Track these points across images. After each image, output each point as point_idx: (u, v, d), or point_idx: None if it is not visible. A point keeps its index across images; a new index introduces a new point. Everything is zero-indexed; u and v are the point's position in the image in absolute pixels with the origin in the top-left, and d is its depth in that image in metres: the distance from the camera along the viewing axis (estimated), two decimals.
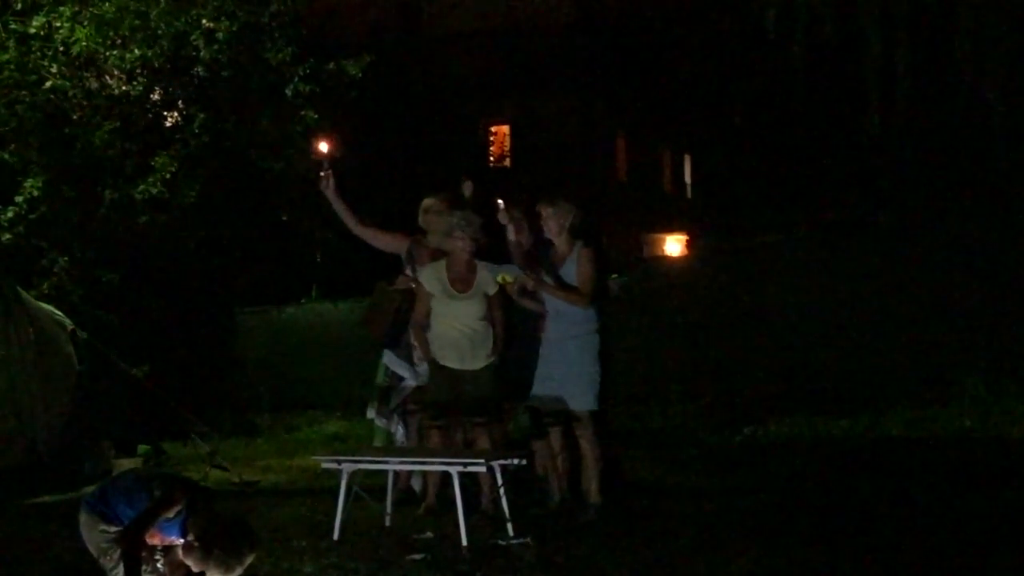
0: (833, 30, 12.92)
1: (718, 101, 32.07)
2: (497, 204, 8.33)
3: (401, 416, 8.56)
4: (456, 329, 8.01)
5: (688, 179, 36.31)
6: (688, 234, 31.48)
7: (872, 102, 13.29)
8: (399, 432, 8.64)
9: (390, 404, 8.59)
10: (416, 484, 8.51)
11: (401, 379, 8.53)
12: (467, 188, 8.55)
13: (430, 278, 8.08)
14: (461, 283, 8.05)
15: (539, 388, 8.04)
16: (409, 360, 8.45)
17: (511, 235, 8.26)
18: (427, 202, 8.60)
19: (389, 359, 8.60)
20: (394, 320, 8.44)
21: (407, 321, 8.31)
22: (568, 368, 7.91)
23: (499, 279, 8.02)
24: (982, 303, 13.39)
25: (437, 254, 8.29)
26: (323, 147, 8.62)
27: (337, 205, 8.57)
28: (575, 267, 7.97)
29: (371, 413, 8.86)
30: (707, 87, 31.95)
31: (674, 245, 31.41)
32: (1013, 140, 14.27)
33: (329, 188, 8.46)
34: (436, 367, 8.11)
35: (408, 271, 8.56)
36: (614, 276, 13.99)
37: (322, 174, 8.46)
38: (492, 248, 8.29)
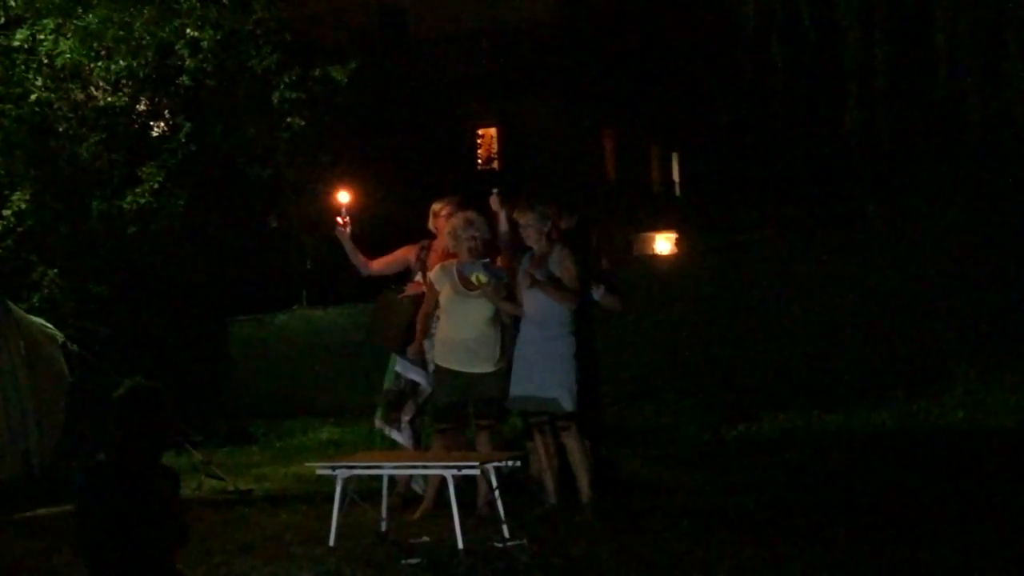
0: (811, 26, 12.96)
1: (705, 99, 32.10)
2: (491, 192, 8.39)
3: (410, 423, 8.58)
4: (465, 330, 8.00)
5: (676, 177, 36.32)
6: (678, 232, 31.52)
7: (852, 97, 13.33)
8: (404, 439, 8.64)
9: (404, 412, 8.60)
10: (417, 486, 8.52)
11: (416, 386, 8.55)
12: (495, 202, 8.52)
13: (441, 277, 8.09)
14: (470, 282, 8.04)
15: (518, 389, 8.06)
16: (423, 366, 8.45)
17: (503, 225, 8.31)
18: (436, 206, 8.65)
19: (403, 367, 8.61)
20: (407, 327, 8.46)
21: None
22: (546, 369, 7.94)
23: (473, 279, 7.99)
24: (973, 295, 13.41)
25: (447, 257, 8.31)
26: (343, 196, 8.77)
27: (350, 250, 8.71)
28: (557, 269, 7.99)
29: (379, 423, 8.88)
30: (693, 85, 31.97)
31: (664, 243, 31.46)
32: (994, 132, 14.30)
33: (345, 235, 8.63)
34: (441, 371, 8.10)
35: (419, 278, 8.59)
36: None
37: (340, 220, 8.62)
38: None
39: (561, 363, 7.96)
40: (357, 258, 8.75)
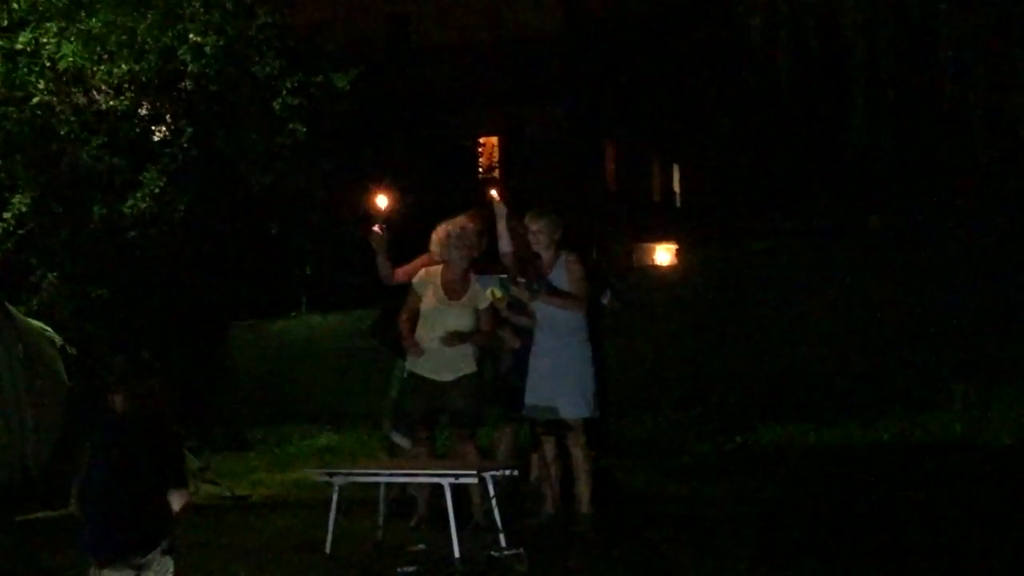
0: (817, 37, 12.97)
1: (706, 110, 32.14)
2: (491, 196, 8.34)
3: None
4: (440, 338, 7.99)
5: (677, 188, 36.36)
6: (678, 243, 31.54)
7: (856, 109, 13.33)
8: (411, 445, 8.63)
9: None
10: (413, 489, 8.49)
11: None
12: (498, 205, 8.43)
13: (423, 283, 8.08)
14: (453, 292, 8.04)
15: (532, 398, 8.03)
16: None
17: (504, 247, 8.29)
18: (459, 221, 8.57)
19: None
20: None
21: None
22: (562, 377, 7.91)
23: (488, 294, 7.98)
24: (972, 308, 13.41)
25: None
26: (382, 202, 8.45)
27: (381, 257, 8.46)
28: (563, 275, 7.99)
29: (387, 428, 8.87)
30: (695, 97, 32.00)
31: (664, 254, 31.47)
32: (997, 144, 14.31)
33: (381, 243, 8.36)
34: (415, 377, 8.10)
35: None
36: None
37: (375, 229, 8.33)
38: (484, 256, 8.29)
39: (577, 369, 7.94)
40: (385, 268, 8.53)
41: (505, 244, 8.33)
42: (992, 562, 6.42)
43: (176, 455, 4.87)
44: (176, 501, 4.74)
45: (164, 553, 4.75)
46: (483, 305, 8.02)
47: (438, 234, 8.17)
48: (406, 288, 8.38)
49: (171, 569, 4.76)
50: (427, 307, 8.04)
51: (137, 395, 4.86)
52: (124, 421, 4.87)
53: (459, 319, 7.99)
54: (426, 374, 8.03)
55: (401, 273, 8.64)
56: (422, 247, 8.75)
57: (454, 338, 7.91)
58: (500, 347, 8.49)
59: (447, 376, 8.00)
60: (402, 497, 8.51)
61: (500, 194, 8.32)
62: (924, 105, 15.74)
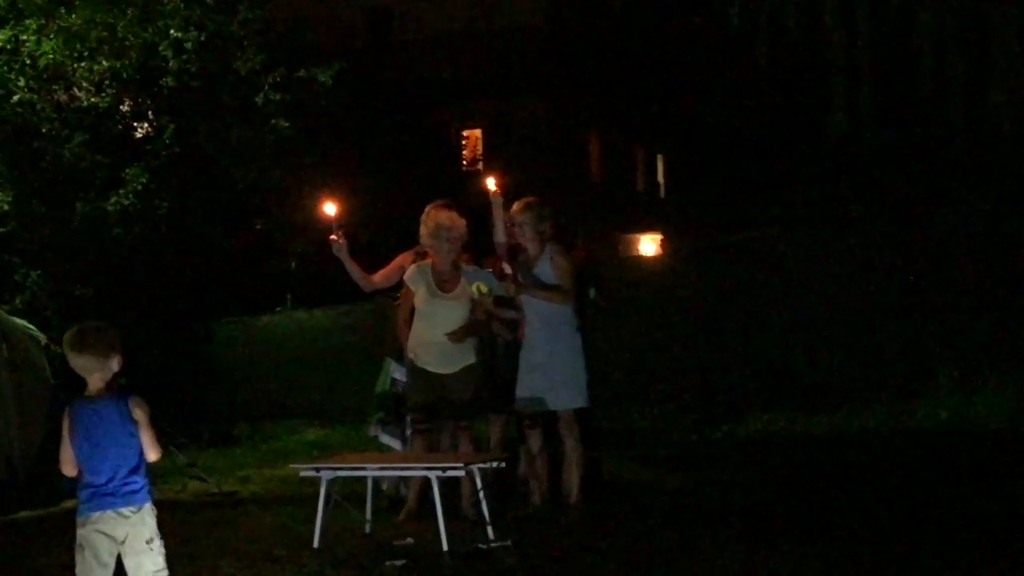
0: (797, 26, 12.99)
1: (689, 100, 32.15)
2: (486, 185, 8.28)
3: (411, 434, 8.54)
4: (439, 332, 7.95)
5: (661, 178, 36.37)
6: (663, 233, 31.55)
7: (836, 99, 13.36)
8: (400, 445, 8.63)
9: (406, 424, 8.57)
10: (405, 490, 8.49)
11: None
12: (495, 195, 8.35)
13: (415, 277, 8.07)
14: (447, 284, 8.03)
15: (524, 391, 8.02)
16: None
17: (499, 236, 8.26)
18: (429, 209, 8.56)
19: (401, 372, 8.58)
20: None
21: None
22: (556, 369, 7.92)
23: (474, 289, 7.97)
24: (957, 296, 13.43)
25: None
26: (330, 209, 8.23)
27: (349, 266, 8.36)
28: (549, 267, 7.98)
29: (374, 431, 8.86)
30: (679, 87, 32.02)
31: (649, 245, 31.49)
32: (978, 133, 14.35)
33: (342, 250, 8.21)
34: (417, 371, 8.08)
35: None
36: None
37: (333, 237, 8.18)
38: (473, 246, 8.27)
39: (569, 361, 7.95)
40: (357, 274, 8.46)
41: (500, 234, 8.31)
42: (980, 547, 6.44)
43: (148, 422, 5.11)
44: (151, 455, 5.16)
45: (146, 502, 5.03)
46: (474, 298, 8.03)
47: (427, 225, 8.14)
48: (395, 290, 8.37)
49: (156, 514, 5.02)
50: (422, 302, 8.03)
51: (100, 352, 5.04)
52: (97, 398, 5.09)
53: (455, 312, 7.98)
54: (429, 367, 8.02)
55: (379, 277, 8.59)
56: (399, 238, 8.74)
57: (460, 334, 7.92)
58: (494, 338, 8.49)
59: (449, 369, 7.99)
60: (397, 497, 8.51)
61: (497, 183, 8.27)
62: (905, 93, 15.75)
